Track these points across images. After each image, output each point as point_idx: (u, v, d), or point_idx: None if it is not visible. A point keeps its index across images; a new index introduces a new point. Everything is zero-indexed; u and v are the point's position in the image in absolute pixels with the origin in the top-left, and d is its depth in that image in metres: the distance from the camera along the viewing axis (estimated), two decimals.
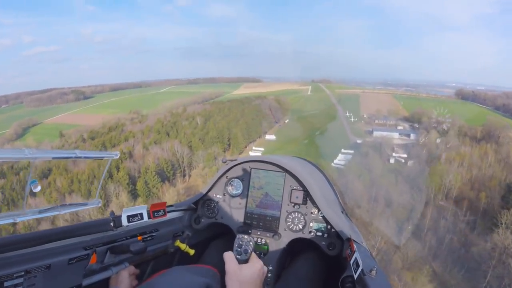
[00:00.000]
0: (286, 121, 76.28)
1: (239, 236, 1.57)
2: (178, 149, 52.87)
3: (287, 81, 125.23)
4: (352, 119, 73.00)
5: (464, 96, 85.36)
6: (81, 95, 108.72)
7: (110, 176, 42.16)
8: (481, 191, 40.68)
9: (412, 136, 63.04)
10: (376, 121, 72.31)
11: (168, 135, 60.47)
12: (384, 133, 64.37)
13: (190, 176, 51.85)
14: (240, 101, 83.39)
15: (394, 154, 56.09)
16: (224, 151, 58.97)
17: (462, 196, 40.83)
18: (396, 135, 64.30)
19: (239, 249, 1.52)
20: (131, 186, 43.43)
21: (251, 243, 1.54)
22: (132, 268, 1.80)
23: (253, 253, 1.56)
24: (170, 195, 38.57)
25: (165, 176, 48.68)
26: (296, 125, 69.55)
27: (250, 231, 2.26)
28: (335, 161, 54.38)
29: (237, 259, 1.48)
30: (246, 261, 1.51)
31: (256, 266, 1.48)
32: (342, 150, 57.81)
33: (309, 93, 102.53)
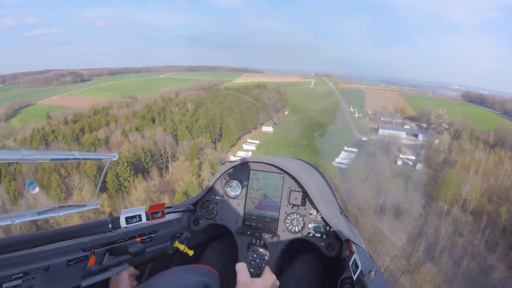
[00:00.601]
0: (285, 113, 70.97)
1: (254, 248, 1.55)
2: (161, 137, 47.42)
3: (290, 74, 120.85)
4: (356, 115, 68.50)
5: (471, 99, 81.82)
6: (79, 78, 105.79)
7: (77, 166, 36.97)
8: (500, 205, 35.77)
9: (420, 136, 59.55)
10: (382, 118, 68.68)
11: (154, 121, 54.92)
12: (391, 132, 60.00)
13: (172, 170, 46.52)
14: (237, 89, 77.72)
15: (401, 156, 51.94)
16: (214, 142, 53.82)
17: (480, 210, 35.88)
18: (403, 134, 60.55)
19: (253, 262, 1.50)
20: (99, 178, 37.44)
21: (266, 257, 1.55)
22: (132, 269, 1.77)
23: (267, 267, 1.51)
24: (138, 192, 33.23)
25: (141, 168, 43.15)
26: (295, 120, 64.26)
27: (258, 235, 2.21)
28: (337, 159, 49.87)
29: (250, 271, 1.42)
30: (259, 275, 1.47)
31: (269, 281, 1.43)
32: (345, 148, 53.07)
33: (311, 86, 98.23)
